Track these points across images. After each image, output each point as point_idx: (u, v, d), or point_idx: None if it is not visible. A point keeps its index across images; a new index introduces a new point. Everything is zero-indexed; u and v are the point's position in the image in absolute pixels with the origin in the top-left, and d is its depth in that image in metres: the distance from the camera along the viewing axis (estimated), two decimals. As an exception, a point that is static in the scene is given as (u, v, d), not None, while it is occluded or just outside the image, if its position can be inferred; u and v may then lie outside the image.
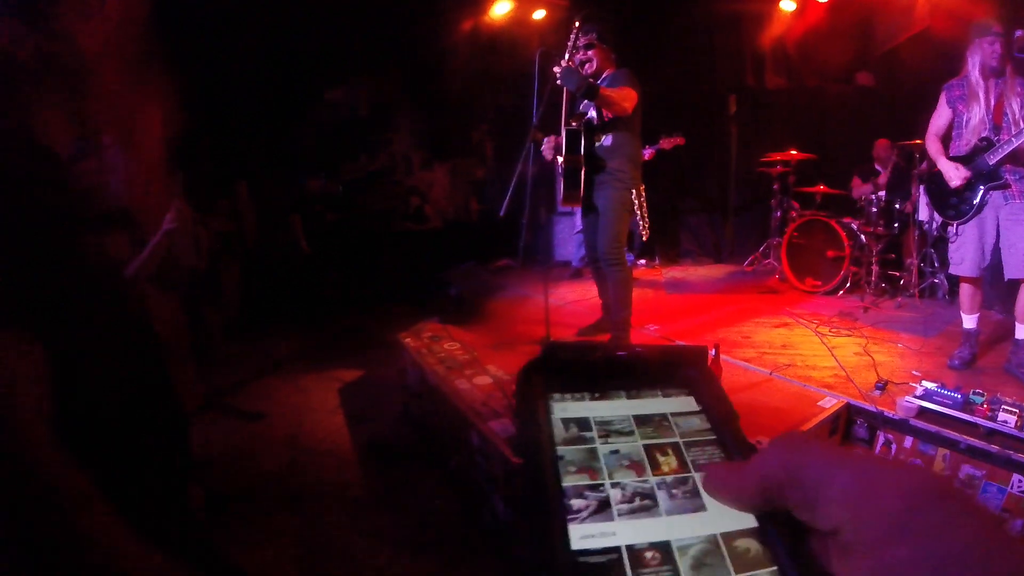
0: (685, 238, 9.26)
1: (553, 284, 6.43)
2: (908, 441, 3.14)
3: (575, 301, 6.02)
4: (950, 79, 3.92)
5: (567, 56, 4.02)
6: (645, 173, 4.34)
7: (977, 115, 3.73)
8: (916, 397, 3.14)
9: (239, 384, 4.97)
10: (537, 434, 0.43)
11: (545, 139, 4.30)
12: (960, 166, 3.79)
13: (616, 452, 0.43)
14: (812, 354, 4.23)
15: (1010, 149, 3.58)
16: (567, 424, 0.44)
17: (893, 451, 3.18)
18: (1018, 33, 3.67)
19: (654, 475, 0.42)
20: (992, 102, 3.70)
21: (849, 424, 3.38)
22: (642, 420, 0.46)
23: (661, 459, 0.43)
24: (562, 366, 0.48)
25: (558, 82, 3.94)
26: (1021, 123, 3.56)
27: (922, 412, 3.11)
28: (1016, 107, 3.62)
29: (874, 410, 3.25)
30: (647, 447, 0.44)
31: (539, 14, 7.60)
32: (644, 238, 4.38)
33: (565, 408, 0.46)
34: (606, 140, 4.10)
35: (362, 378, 5.17)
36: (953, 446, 2.95)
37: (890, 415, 3.19)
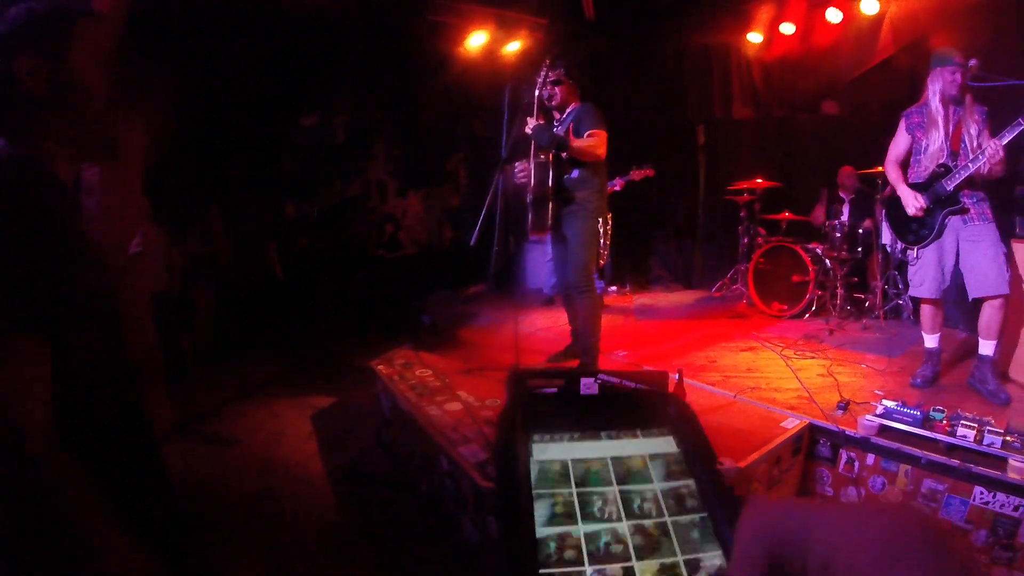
0: (655, 265, 9.35)
1: (524, 311, 6.49)
2: (870, 458, 3.20)
3: (546, 328, 6.05)
4: (911, 106, 4.04)
5: (537, 92, 4.14)
6: (615, 201, 4.45)
7: (936, 142, 3.83)
8: (877, 416, 3.21)
9: (212, 409, 4.93)
10: (515, 479, 0.43)
11: (518, 166, 4.39)
12: (919, 195, 3.88)
13: (591, 499, 0.43)
14: (777, 376, 4.30)
15: (967, 174, 3.68)
16: (545, 467, 0.44)
17: (856, 468, 3.25)
18: (972, 62, 3.79)
19: (628, 520, 0.42)
20: (950, 129, 3.80)
21: (812, 444, 3.45)
22: (620, 463, 0.46)
23: (636, 505, 0.43)
24: (543, 407, 0.49)
25: (529, 134, 4.07)
26: (978, 150, 3.67)
27: (883, 430, 3.18)
28: (973, 134, 3.73)
29: (836, 429, 3.32)
30: (623, 493, 0.44)
31: (513, 46, 7.72)
32: (602, 263, 4.45)
33: (545, 450, 0.45)
34: (574, 173, 4.21)
35: (336, 404, 5.16)
36: (914, 462, 3.02)
37: (852, 434, 3.26)
